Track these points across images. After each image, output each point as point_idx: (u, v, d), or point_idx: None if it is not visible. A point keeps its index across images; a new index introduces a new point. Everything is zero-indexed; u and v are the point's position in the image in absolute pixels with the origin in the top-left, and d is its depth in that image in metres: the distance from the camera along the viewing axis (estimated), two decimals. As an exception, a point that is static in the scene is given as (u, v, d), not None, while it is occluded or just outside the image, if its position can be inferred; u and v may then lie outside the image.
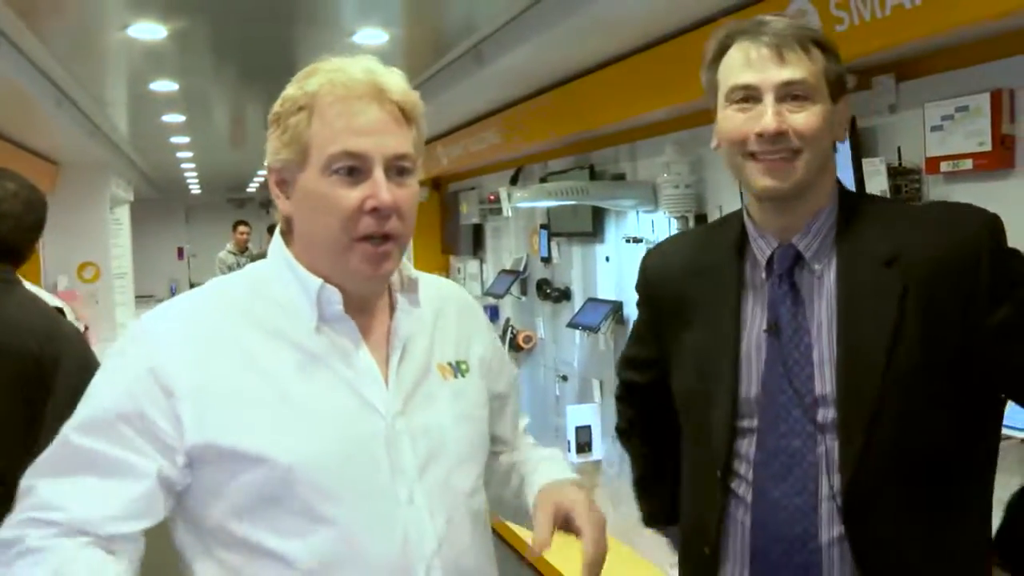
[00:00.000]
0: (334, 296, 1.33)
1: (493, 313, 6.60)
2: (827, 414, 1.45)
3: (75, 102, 4.78)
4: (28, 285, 2.33)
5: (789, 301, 1.52)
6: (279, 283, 1.36)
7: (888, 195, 2.69)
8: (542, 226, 5.54)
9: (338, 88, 1.29)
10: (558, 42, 3.53)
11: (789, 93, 1.45)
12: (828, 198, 1.54)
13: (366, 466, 1.31)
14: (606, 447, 4.90)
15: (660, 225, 4.25)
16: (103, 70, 4.07)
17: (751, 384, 1.53)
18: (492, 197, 6.24)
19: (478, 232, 6.95)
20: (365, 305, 1.38)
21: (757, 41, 1.47)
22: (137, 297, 9.17)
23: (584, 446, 4.92)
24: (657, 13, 3.09)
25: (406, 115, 1.32)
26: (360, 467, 1.30)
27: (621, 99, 3.92)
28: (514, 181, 5.80)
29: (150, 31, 3.29)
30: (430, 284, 1.51)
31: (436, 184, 7.82)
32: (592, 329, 4.67)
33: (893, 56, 2.71)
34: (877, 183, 2.75)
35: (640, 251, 4.32)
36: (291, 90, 1.33)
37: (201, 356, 1.27)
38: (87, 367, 2.11)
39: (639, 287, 1.79)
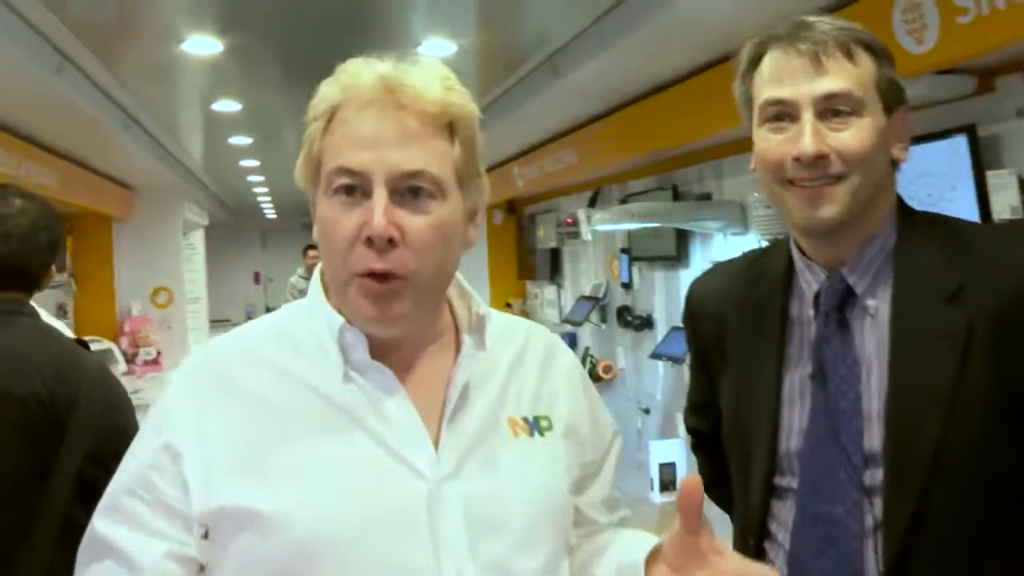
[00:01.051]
0: (357, 340, 1.12)
1: (571, 341, 6.35)
2: (876, 476, 1.26)
3: (142, 125, 4.73)
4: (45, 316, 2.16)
5: (837, 342, 1.32)
6: (309, 324, 1.17)
7: (1020, 212, 2.37)
8: (622, 250, 5.29)
9: (350, 92, 1.10)
10: (636, 52, 3.28)
11: (830, 108, 1.24)
12: (883, 223, 1.32)
13: (401, 539, 1.08)
14: (691, 486, 4.57)
15: (750, 249, 3.93)
16: (162, 89, 3.96)
17: (791, 436, 1.35)
18: (569, 220, 5.99)
19: (556, 257, 6.72)
20: (413, 346, 1.17)
21: (792, 48, 1.27)
22: (212, 322, 9.17)
23: (669, 484, 4.62)
24: (742, 17, 2.82)
25: (434, 124, 1.09)
26: (393, 540, 1.08)
27: (705, 113, 3.64)
28: (592, 203, 5.57)
29: (206, 45, 3.16)
30: (511, 326, 1.30)
31: (512, 207, 7.64)
32: (676, 360, 4.38)
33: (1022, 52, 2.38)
34: (1005, 198, 2.42)
35: (728, 277, 4.03)
36: (315, 96, 1.14)
37: (212, 410, 1.11)
38: (114, 406, 1.92)
39: (684, 319, 1.58)
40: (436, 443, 1.12)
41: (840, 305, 1.32)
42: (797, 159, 1.24)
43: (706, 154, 4.27)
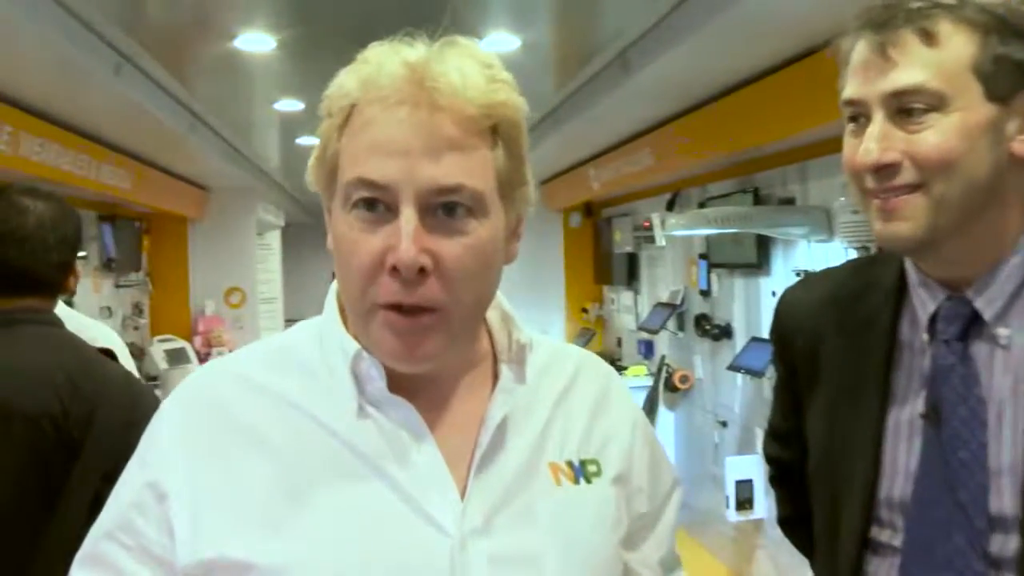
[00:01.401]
0: (374, 370, 0.96)
1: (648, 349, 6.15)
2: (1007, 544, 1.04)
3: (209, 125, 4.70)
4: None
5: (957, 378, 1.10)
6: (321, 347, 1.01)
7: None
8: (701, 256, 5.06)
9: (374, 88, 0.91)
10: (713, 46, 3.07)
11: (903, 106, 1.05)
12: (1017, 237, 1.10)
13: None
14: (770, 505, 4.34)
15: (836, 256, 3.68)
16: (220, 88, 3.91)
17: (895, 484, 1.14)
18: (646, 224, 5.81)
19: (632, 261, 6.51)
20: (442, 377, 1.00)
21: (868, 35, 1.09)
22: (288, 321, 9.20)
23: (745, 503, 4.39)
24: (828, 6, 2.58)
25: (475, 128, 0.91)
26: None
27: (788, 111, 3.40)
28: (670, 207, 5.36)
29: (259, 42, 3.07)
30: (559, 354, 1.12)
31: (588, 210, 7.45)
32: (755, 373, 4.15)
33: None
34: None
35: (812, 286, 3.78)
36: (330, 87, 0.96)
37: (205, 446, 0.96)
38: (135, 424, 1.79)
39: (772, 335, 1.37)
40: (464, 492, 0.95)
41: (963, 332, 1.11)
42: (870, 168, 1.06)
43: (790, 156, 4.01)
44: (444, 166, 0.88)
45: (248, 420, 0.96)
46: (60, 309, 2.60)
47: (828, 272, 1.43)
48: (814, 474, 1.26)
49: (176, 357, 6.43)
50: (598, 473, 1.04)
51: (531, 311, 7.46)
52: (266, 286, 7.97)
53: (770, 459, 1.48)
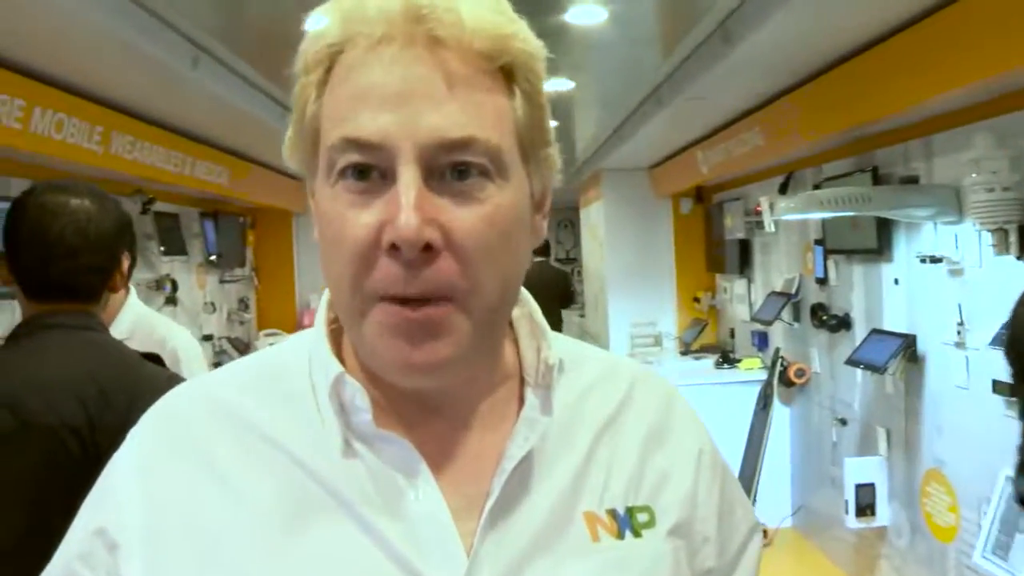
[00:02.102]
0: (358, 397, 0.77)
1: (762, 341, 5.84)
2: None
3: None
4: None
5: None
6: (309, 367, 0.82)
7: None
8: (816, 241, 4.72)
9: (356, 25, 0.72)
10: (822, 8, 2.75)
11: None
12: None
13: None
14: (893, 512, 4.01)
15: (967, 240, 3.33)
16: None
17: None
18: (757, 208, 5.46)
19: (745, 248, 6.18)
20: (453, 402, 0.81)
21: None
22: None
23: (866, 509, 4.07)
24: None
25: (485, 69, 0.72)
26: None
27: (909, 79, 3.06)
28: (783, 189, 5.02)
29: (328, 26, 2.89)
30: (607, 371, 0.91)
31: (699, 195, 7.13)
32: (876, 368, 3.81)
33: None
34: None
35: (939, 273, 3.44)
36: (306, 38, 0.77)
37: (165, 489, 0.79)
38: None
39: (1009, 346, 1.17)
40: (471, 550, 0.76)
41: None
42: None
43: (912, 130, 3.65)
44: (450, 114, 0.70)
45: (216, 456, 0.79)
46: (131, 307, 2.53)
47: None
48: None
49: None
50: (650, 524, 0.83)
51: (641, 301, 7.23)
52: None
53: (1019, 496, 1.25)
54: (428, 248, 0.69)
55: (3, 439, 1.55)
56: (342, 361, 0.80)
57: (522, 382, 0.85)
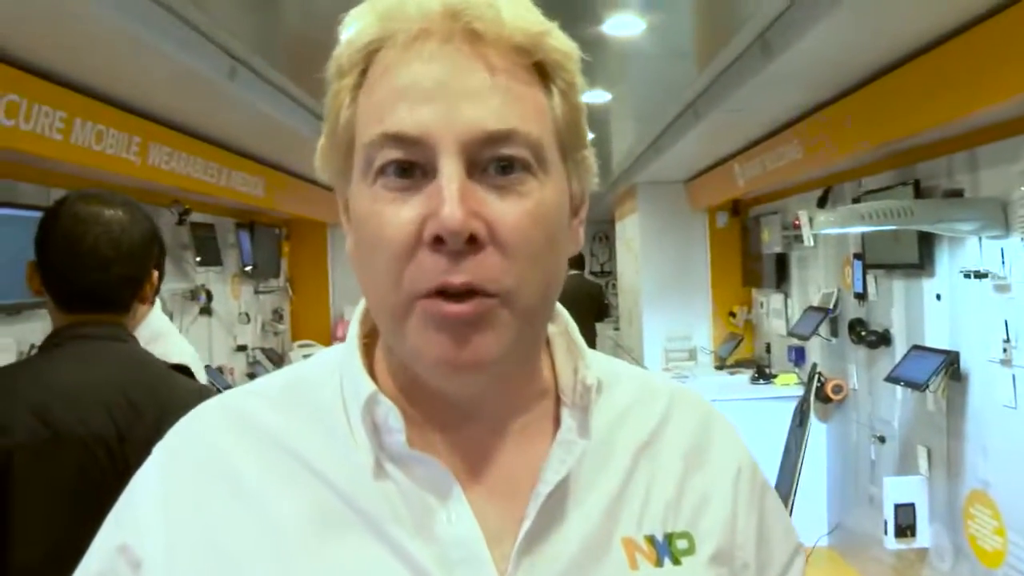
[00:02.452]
0: (391, 417, 0.74)
1: (799, 356, 5.76)
2: None
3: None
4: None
5: None
6: (341, 384, 0.80)
7: None
8: (855, 256, 4.65)
9: (394, 23, 0.70)
10: (862, 18, 2.71)
11: None
12: None
13: None
14: (934, 532, 3.92)
15: (1014, 255, 3.26)
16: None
17: None
18: (796, 222, 5.39)
19: (782, 262, 6.11)
20: (488, 419, 0.79)
21: None
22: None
23: (906, 530, 3.98)
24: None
25: (523, 64, 0.71)
26: None
27: (952, 92, 3.00)
28: (822, 203, 4.96)
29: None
30: (645, 391, 0.88)
31: (736, 209, 7.07)
32: (917, 386, 3.73)
33: None
34: None
35: (984, 289, 3.37)
36: (341, 42, 0.75)
37: (189, 507, 0.77)
38: None
39: None
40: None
41: None
42: None
43: (956, 143, 3.58)
44: (491, 107, 0.69)
45: (242, 472, 0.77)
46: (149, 322, 2.52)
47: None
48: None
49: (315, 362, 6.46)
50: (690, 551, 0.80)
51: (676, 315, 7.17)
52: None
53: None
54: (472, 241, 0.68)
55: (34, 450, 1.54)
56: (374, 377, 0.78)
57: (558, 401, 0.82)
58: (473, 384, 0.74)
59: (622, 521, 0.79)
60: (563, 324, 0.85)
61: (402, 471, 0.75)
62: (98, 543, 0.82)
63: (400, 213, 0.69)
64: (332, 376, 0.81)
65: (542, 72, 0.73)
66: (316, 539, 0.74)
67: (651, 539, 0.79)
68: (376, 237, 0.70)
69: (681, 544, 0.80)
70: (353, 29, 0.73)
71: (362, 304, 0.83)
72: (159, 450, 0.83)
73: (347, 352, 0.81)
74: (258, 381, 0.88)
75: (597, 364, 0.84)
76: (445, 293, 0.68)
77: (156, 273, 1.85)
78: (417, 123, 0.68)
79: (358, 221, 0.73)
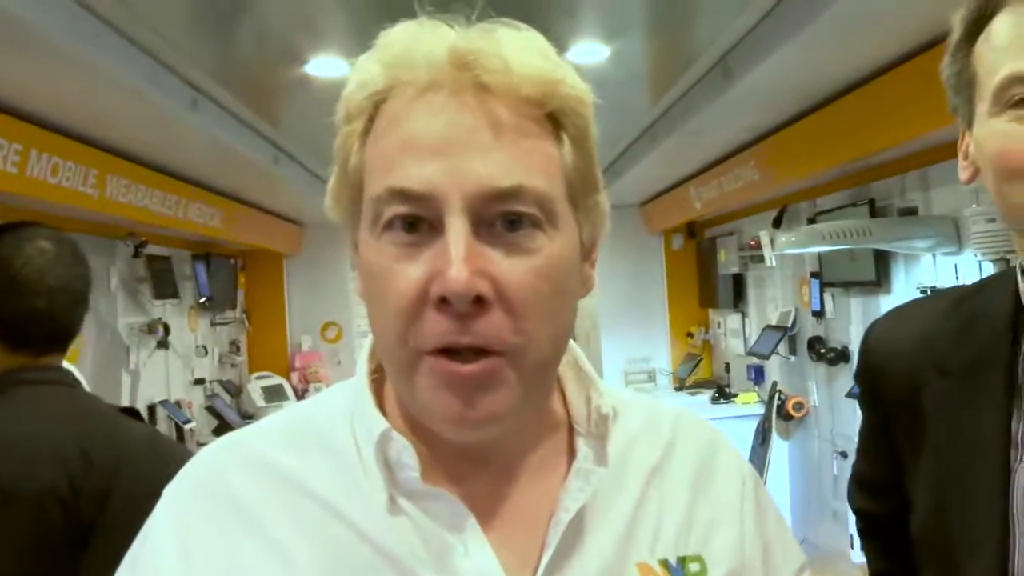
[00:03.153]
0: (405, 454, 0.74)
1: (758, 375, 5.84)
2: None
3: (293, 156, 4.61)
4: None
5: None
6: (351, 422, 0.80)
7: None
8: (812, 275, 4.74)
9: (401, 72, 0.71)
10: (819, 45, 2.78)
11: None
12: None
13: None
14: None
15: (967, 270, 3.35)
16: (298, 116, 3.79)
17: None
18: (752, 243, 5.48)
19: (739, 282, 6.20)
20: (502, 455, 0.79)
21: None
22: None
23: (872, 543, 4.01)
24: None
25: (532, 115, 0.71)
26: None
27: (905, 113, 3.08)
28: (777, 223, 5.04)
29: (330, 67, 2.91)
30: (652, 418, 0.89)
31: (691, 231, 7.16)
32: (878, 401, 3.78)
33: None
34: None
35: (941, 305, 3.44)
36: (348, 85, 0.76)
37: (207, 550, 0.76)
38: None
39: (859, 376, 1.20)
40: None
41: None
42: None
43: (909, 162, 3.69)
44: (499, 163, 0.69)
45: (259, 514, 0.76)
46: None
47: (922, 303, 1.27)
48: (922, 535, 1.07)
49: (273, 393, 6.40)
50: (702, 573, 0.81)
51: (634, 337, 7.22)
52: (363, 319, 7.80)
53: (859, 511, 1.29)
54: (479, 301, 0.68)
55: None
56: (384, 413, 0.78)
57: (571, 431, 0.83)
58: (482, 437, 0.74)
59: (636, 546, 0.80)
60: (572, 356, 0.85)
61: (416, 507, 0.75)
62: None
63: (407, 271, 0.69)
64: (342, 414, 0.81)
65: (554, 121, 0.73)
66: (341, 573, 0.73)
67: (665, 563, 0.80)
68: (383, 293, 0.71)
69: (693, 567, 0.81)
70: (360, 75, 0.74)
71: (370, 339, 0.82)
72: (170, 493, 0.82)
73: (357, 389, 0.80)
74: (263, 422, 0.87)
75: (607, 392, 0.85)
76: (451, 351, 0.69)
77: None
78: (423, 179, 0.68)
79: (366, 272, 0.74)
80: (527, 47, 0.72)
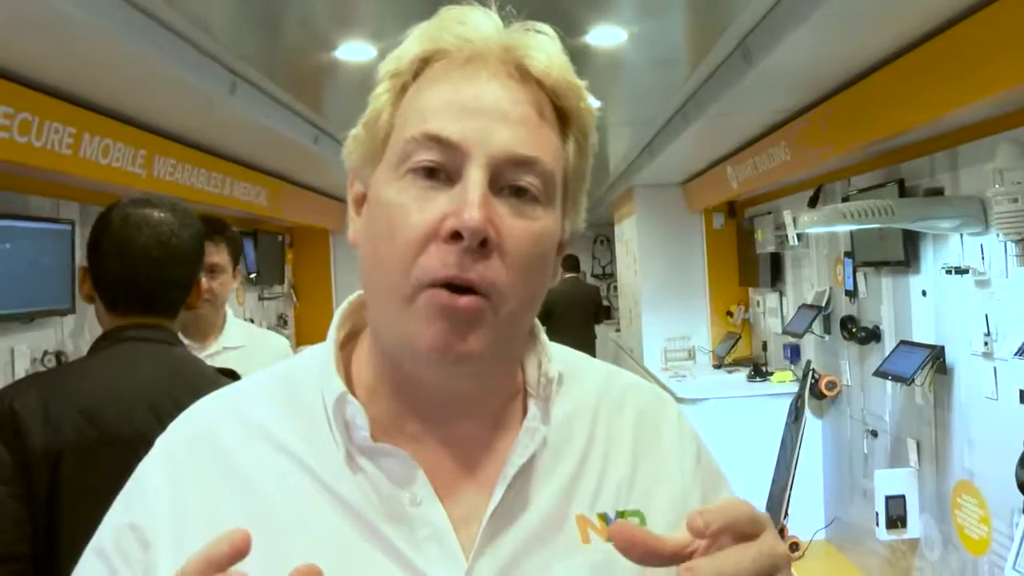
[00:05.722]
0: (358, 416, 0.83)
1: (793, 353, 5.85)
2: None
3: (333, 136, 4.73)
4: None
5: None
6: (317, 383, 0.88)
7: None
8: (846, 254, 4.73)
9: (457, 40, 0.81)
10: (842, 23, 2.80)
11: None
12: None
13: None
14: (924, 523, 4.00)
15: (992, 251, 3.35)
16: (332, 100, 3.92)
17: None
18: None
19: (776, 261, 6.20)
20: (463, 416, 0.87)
21: None
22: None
23: (897, 521, 4.07)
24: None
25: (550, 109, 0.82)
26: None
27: (931, 91, 3.09)
28: (813, 203, 5.04)
29: (359, 52, 3.03)
30: (601, 385, 0.96)
31: (732, 210, 7.16)
32: (904, 380, 3.83)
33: None
34: None
35: (966, 284, 3.47)
36: (400, 45, 0.85)
37: (193, 497, 0.85)
38: None
39: None
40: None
41: None
42: None
43: (937, 142, 3.68)
44: (522, 136, 0.79)
45: (238, 463, 0.85)
46: (234, 319, 2.68)
47: None
48: None
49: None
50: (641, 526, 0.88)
51: (675, 315, 7.26)
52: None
53: (1020, 484, 1.23)
54: (483, 244, 0.76)
55: (82, 450, 1.57)
56: (351, 375, 0.88)
57: (525, 395, 0.91)
58: (458, 375, 0.82)
59: (576, 500, 0.86)
60: (532, 327, 0.92)
61: (372, 463, 0.83)
62: (109, 521, 0.90)
63: (424, 206, 0.77)
64: (315, 375, 0.89)
65: (564, 121, 0.84)
66: (310, 529, 0.82)
67: (603, 516, 0.87)
68: (397, 224, 0.78)
69: (632, 521, 0.87)
70: (416, 35, 0.83)
71: (344, 305, 0.92)
72: (163, 439, 0.92)
73: (325, 351, 0.89)
74: (252, 379, 0.96)
75: (560, 358, 0.94)
76: (450, 287, 0.76)
77: (203, 277, 1.90)
78: (458, 130, 0.77)
79: (379, 207, 0.81)
80: (560, 53, 0.84)
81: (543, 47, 0.82)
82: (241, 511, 0.82)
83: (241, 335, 2.80)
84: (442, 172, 0.78)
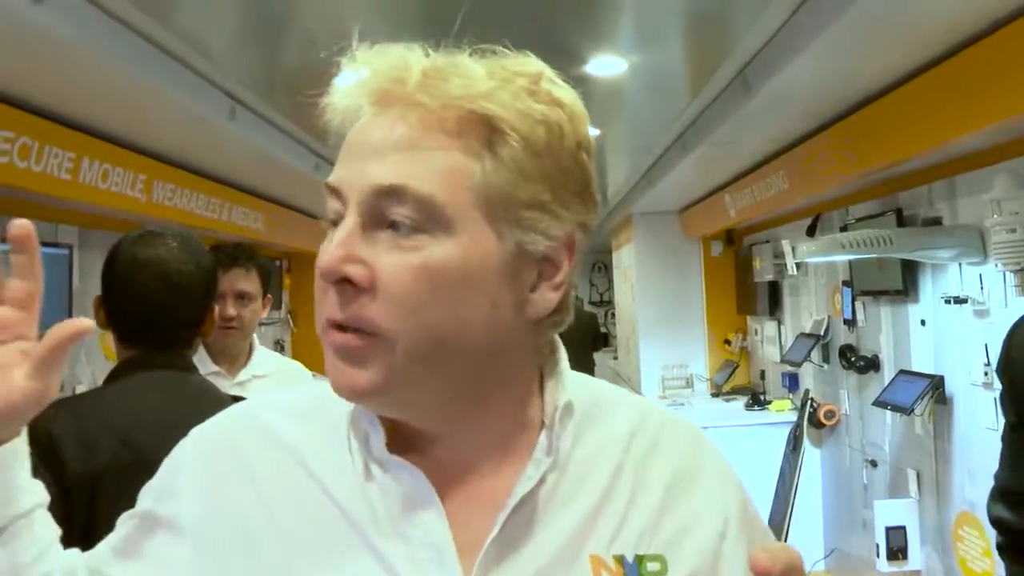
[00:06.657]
0: (373, 427, 0.83)
1: (792, 382, 5.84)
2: None
3: (333, 164, 4.73)
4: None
5: None
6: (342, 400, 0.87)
7: None
8: (844, 283, 4.74)
9: (358, 94, 0.81)
10: (840, 53, 2.82)
11: None
12: None
13: None
14: (926, 555, 3.97)
15: (991, 280, 3.35)
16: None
17: None
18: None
19: (774, 290, 6.21)
20: (476, 440, 0.85)
21: None
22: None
23: (897, 552, 4.04)
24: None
25: (448, 129, 0.77)
26: None
27: (929, 121, 3.10)
28: (811, 232, 5.05)
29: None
30: (636, 421, 0.91)
31: (730, 238, 7.17)
32: (903, 410, 3.82)
33: None
34: None
35: (965, 314, 3.46)
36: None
37: (215, 498, 0.87)
38: None
39: (1001, 370, 1.24)
40: None
41: None
42: None
43: (935, 172, 3.69)
44: (388, 165, 0.76)
45: (255, 471, 0.86)
46: (261, 348, 2.70)
47: None
48: None
49: (317, 393, 6.53)
50: (661, 573, 0.82)
51: (672, 343, 7.25)
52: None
53: (1000, 524, 1.24)
54: (349, 283, 0.76)
55: (118, 474, 1.57)
56: None
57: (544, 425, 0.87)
58: (385, 409, 0.82)
59: (593, 539, 0.82)
60: (555, 357, 0.89)
61: (386, 475, 0.82)
62: (138, 506, 0.94)
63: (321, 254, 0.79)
64: None
65: (484, 135, 0.77)
66: (309, 540, 0.82)
67: (620, 559, 0.82)
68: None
69: (652, 566, 0.82)
70: (343, 91, 0.82)
71: None
72: (194, 435, 0.93)
73: None
74: (280, 394, 0.96)
75: (590, 389, 0.91)
76: (337, 326, 0.77)
77: (215, 307, 1.89)
78: (338, 177, 0.79)
79: None
80: (485, 67, 0.79)
81: (452, 65, 0.78)
82: (258, 522, 0.84)
83: (269, 363, 2.80)
84: (340, 218, 0.79)
